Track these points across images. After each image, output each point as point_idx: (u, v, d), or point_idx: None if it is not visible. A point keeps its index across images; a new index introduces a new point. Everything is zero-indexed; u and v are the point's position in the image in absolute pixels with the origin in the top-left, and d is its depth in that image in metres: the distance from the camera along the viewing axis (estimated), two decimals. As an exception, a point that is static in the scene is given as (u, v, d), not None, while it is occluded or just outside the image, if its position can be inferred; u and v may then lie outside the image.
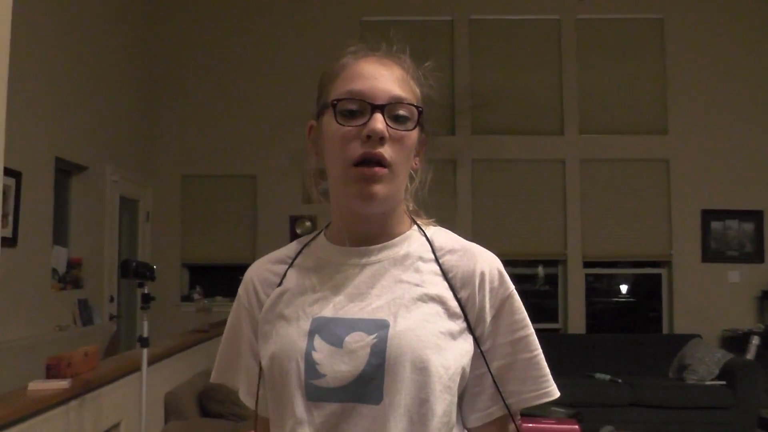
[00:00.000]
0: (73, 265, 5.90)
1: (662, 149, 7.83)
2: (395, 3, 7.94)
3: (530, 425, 4.13)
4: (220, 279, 7.84)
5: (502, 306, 1.29)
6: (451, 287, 1.29)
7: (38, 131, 5.28)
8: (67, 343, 4.91)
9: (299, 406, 1.20)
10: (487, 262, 1.31)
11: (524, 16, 7.94)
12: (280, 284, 1.35)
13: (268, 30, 7.90)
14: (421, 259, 1.32)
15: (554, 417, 4.45)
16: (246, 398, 1.42)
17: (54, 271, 5.65)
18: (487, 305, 1.28)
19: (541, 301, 8.00)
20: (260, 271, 1.41)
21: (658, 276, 7.89)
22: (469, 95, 7.80)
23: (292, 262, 1.37)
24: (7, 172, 4.83)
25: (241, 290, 1.42)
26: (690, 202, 7.76)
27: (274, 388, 1.26)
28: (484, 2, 7.94)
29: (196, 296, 7.56)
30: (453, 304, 1.27)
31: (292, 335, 1.25)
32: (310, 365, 1.20)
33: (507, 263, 1.34)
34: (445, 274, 1.31)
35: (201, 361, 4.85)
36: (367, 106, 1.24)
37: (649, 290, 8.14)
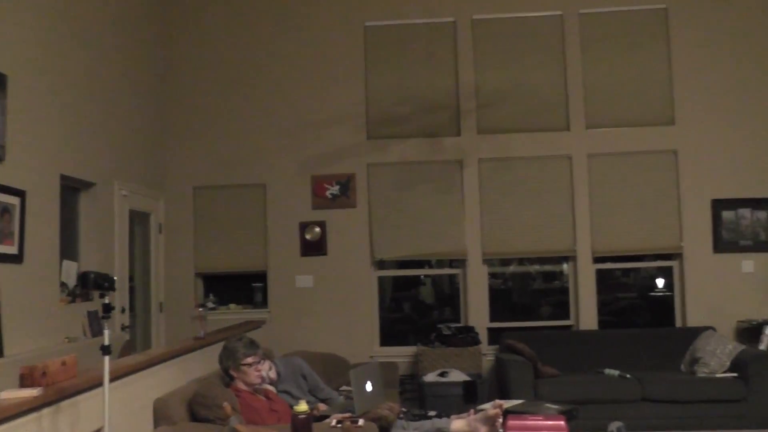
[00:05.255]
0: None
1: (670, 140, 7.79)
2: (398, 6, 8.01)
3: (517, 422, 4.19)
4: (233, 287, 7.96)
5: None
6: None
7: (42, 150, 5.43)
8: (74, 354, 5.06)
9: None
10: None
11: (526, 14, 7.95)
12: None
13: (274, 39, 8.03)
14: None
15: (544, 413, 4.48)
16: None
17: (63, 285, 5.81)
18: None
19: (557, 298, 8.01)
20: None
21: (671, 269, 7.85)
22: (473, 95, 7.84)
23: None
24: (11, 191, 5.01)
25: None
26: (700, 192, 7.72)
27: None
28: (486, 2, 7.97)
29: (209, 305, 7.74)
30: None
31: None
32: None
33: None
34: None
35: (196, 367, 4.95)
36: None
37: (665, 284, 8.07)
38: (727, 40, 7.82)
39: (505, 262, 8.13)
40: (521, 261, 8.19)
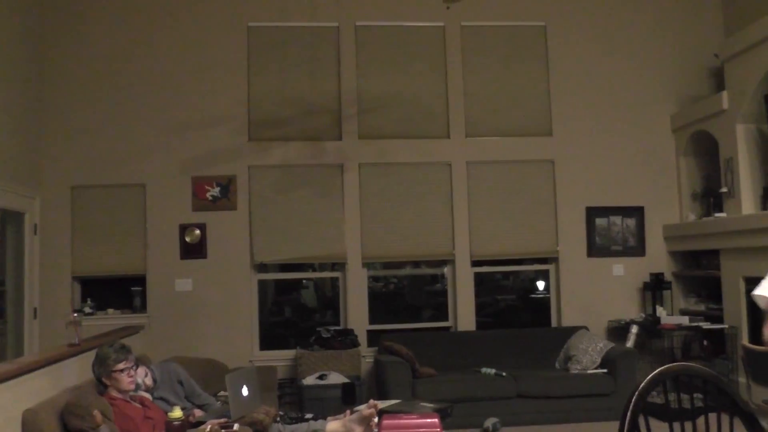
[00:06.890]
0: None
1: (547, 150, 8.10)
2: (282, 9, 7.99)
3: (391, 421, 4.26)
4: (112, 291, 7.74)
5: None
6: None
7: None
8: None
9: None
10: None
11: (409, 23, 8.09)
12: None
13: (155, 36, 7.86)
14: None
15: (418, 412, 4.59)
16: None
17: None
18: None
19: (437, 301, 8.18)
20: None
21: (548, 272, 8.16)
22: (355, 100, 7.92)
23: None
24: None
25: None
26: (575, 200, 8.07)
27: None
28: (369, 9, 8.06)
29: (86, 309, 7.52)
30: None
31: None
32: None
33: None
34: None
35: (71, 376, 4.81)
36: None
37: (543, 286, 8.38)
38: (601, 57, 8.25)
39: (386, 266, 8.25)
40: (401, 264, 8.31)
